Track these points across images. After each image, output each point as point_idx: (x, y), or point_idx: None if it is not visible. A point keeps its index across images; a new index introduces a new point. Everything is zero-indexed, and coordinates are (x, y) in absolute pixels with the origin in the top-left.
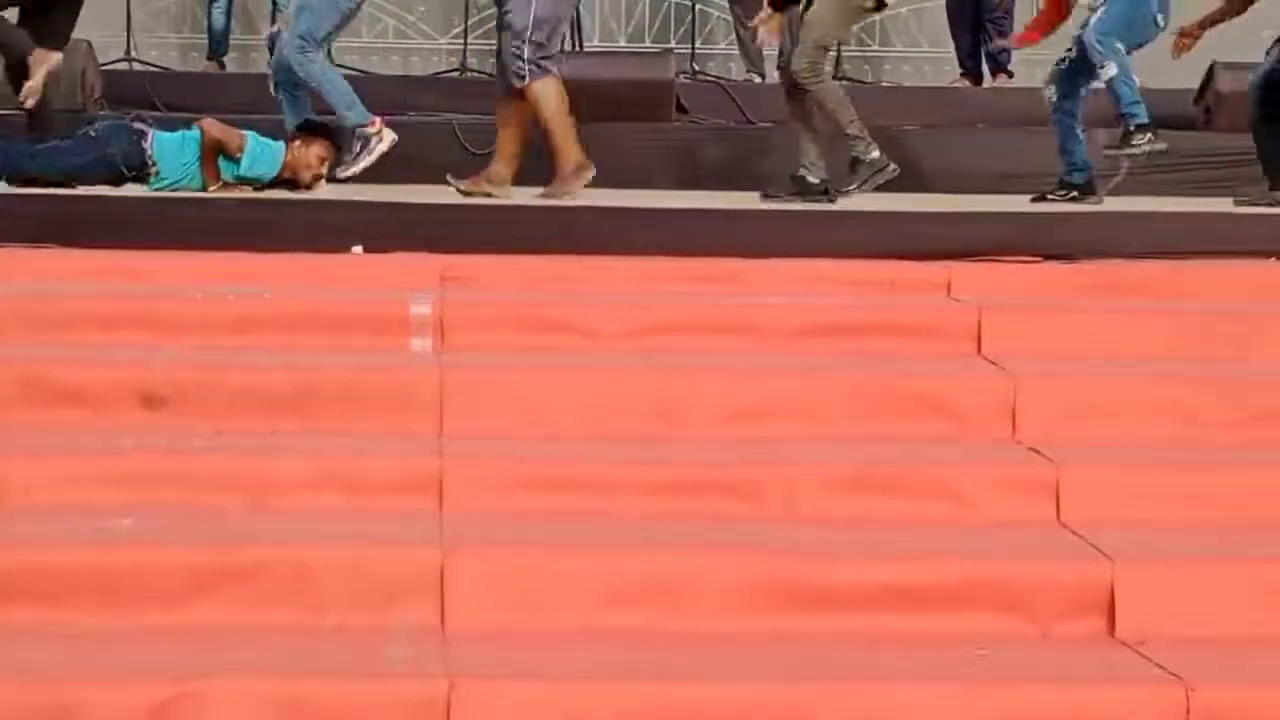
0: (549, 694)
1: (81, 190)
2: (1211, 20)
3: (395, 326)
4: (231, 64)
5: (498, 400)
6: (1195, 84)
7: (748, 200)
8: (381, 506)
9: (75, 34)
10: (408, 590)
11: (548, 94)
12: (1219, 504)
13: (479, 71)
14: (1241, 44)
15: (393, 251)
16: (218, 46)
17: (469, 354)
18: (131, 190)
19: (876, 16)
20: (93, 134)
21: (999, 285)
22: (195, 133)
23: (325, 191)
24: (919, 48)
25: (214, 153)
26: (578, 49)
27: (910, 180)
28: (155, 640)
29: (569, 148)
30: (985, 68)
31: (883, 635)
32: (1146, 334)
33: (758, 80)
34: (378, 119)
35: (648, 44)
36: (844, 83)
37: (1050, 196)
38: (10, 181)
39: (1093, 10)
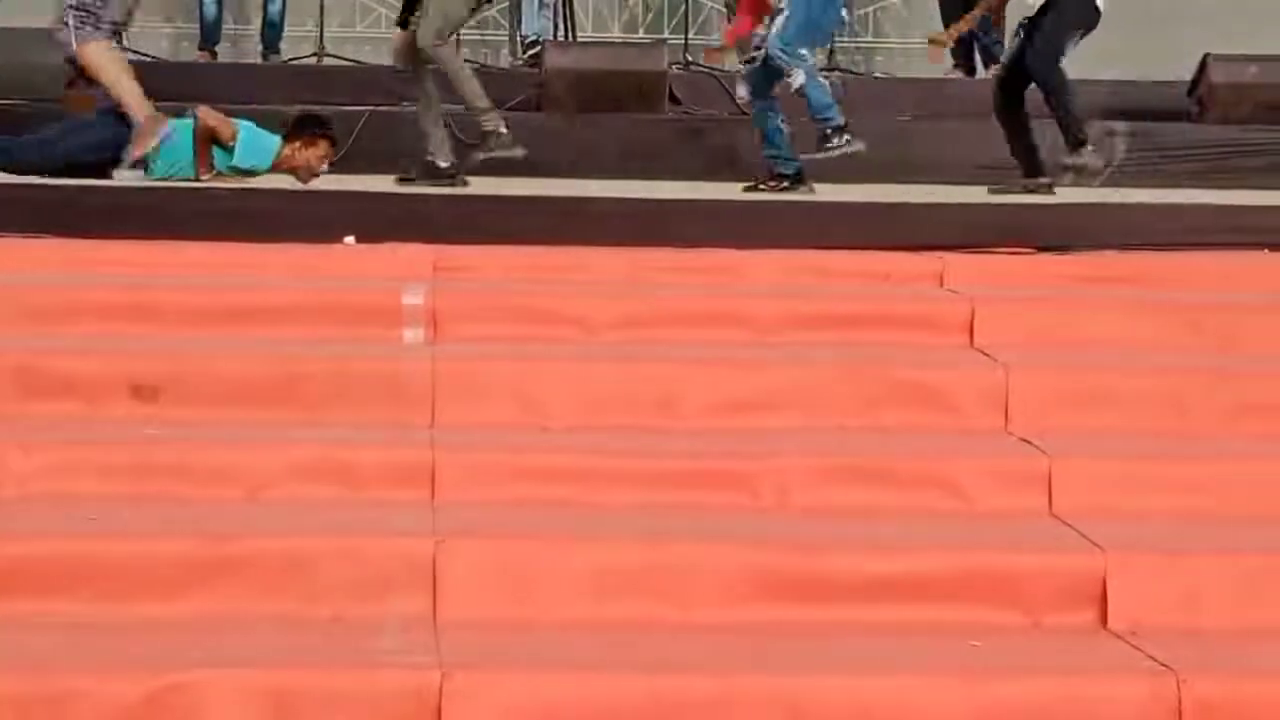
0: (541, 685)
1: (74, 180)
2: (966, 23)
3: (388, 317)
4: (223, 54)
5: (490, 391)
6: (1188, 76)
7: (740, 190)
8: (374, 497)
9: None
10: (401, 581)
11: (99, 55)
12: (1210, 495)
13: (471, 61)
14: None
15: (385, 242)
16: (209, 36)
17: (461, 344)
18: (124, 180)
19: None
20: (86, 123)
21: (992, 276)
22: (189, 120)
23: (318, 182)
24: (912, 39)
25: (207, 141)
26: (571, 39)
27: (903, 171)
28: (149, 631)
29: (139, 103)
30: (978, 59)
31: (875, 626)
32: (1138, 325)
33: None
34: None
35: (641, 35)
36: (837, 73)
37: (761, 187)
38: (5, 170)
39: (779, 12)
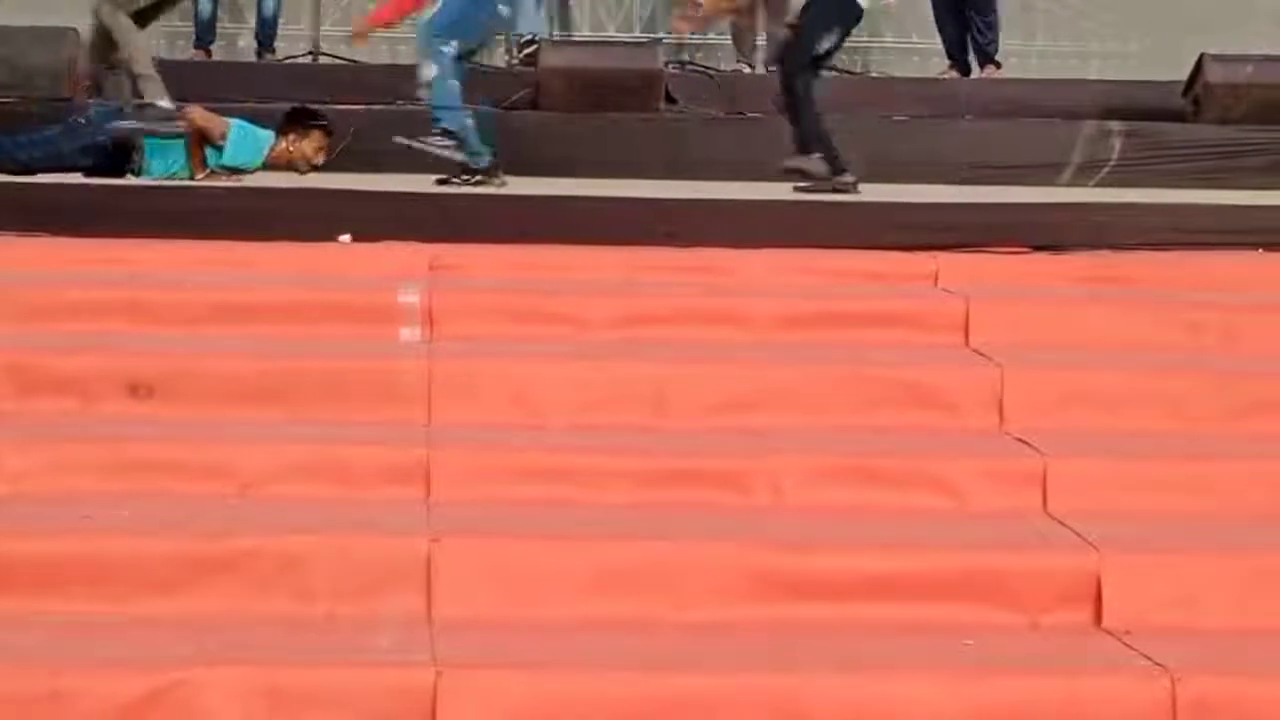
0: (535, 683)
1: (70, 178)
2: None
3: (384, 316)
4: (218, 52)
5: (486, 389)
6: (1184, 76)
7: (735, 190)
8: (369, 496)
9: (63, 23)
10: (395, 579)
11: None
12: (1206, 495)
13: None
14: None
15: (381, 240)
16: (205, 35)
17: (457, 343)
18: (118, 179)
19: None
20: (83, 121)
21: (987, 276)
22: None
23: (314, 180)
24: (908, 39)
25: (199, 140)
26: (568, 38)
27: (899, 171)
28: (145, 628)
29: None
30: (973, 59)
31: (870, 625)
32: (1134, 325)
33: (747, 71)
34: None
35: (637, 34)
36: (832, 73)
37: (454, 180)
38: (1, 169)
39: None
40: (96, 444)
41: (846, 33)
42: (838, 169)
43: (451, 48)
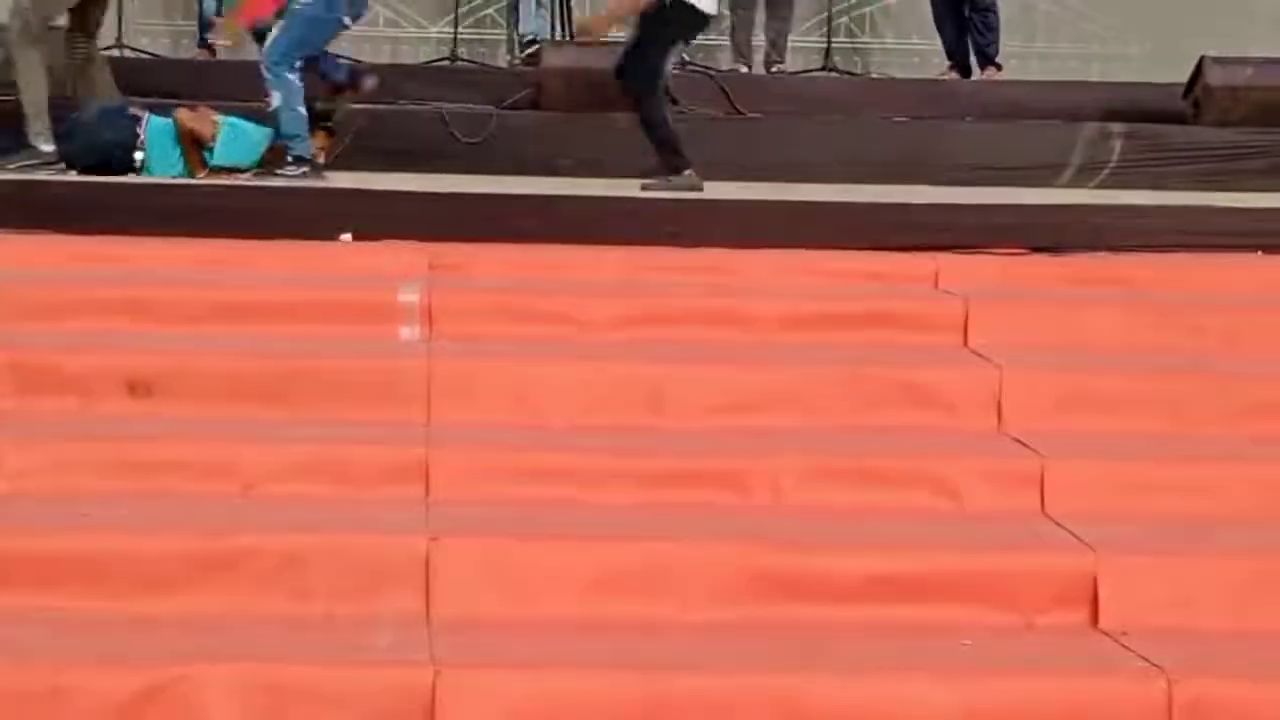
0: (534, 683)
1: (69, 176)
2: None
3: (383, 314)
4: (223, 51)
5: (485, 389)
6: (1184, 78)
7: (735, 190)
8: (369, 495)
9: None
10: (394, 578)
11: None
12: (1204, 497)
13: (469, 60)
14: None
15: (381, 239)
16: (208, 34)
17: (457, 342)
18: (118, 176)
19: None
20: (86, 120)
21: (986, 277)
22: (169, 121)
23: (314, 179)
24: (909, 40)
25: (192, 141)
26: (569, 39)
27: (899, 172)
28: (144, 626)
29: None
30: (974, 60)
31: (868, 626)
32: (1133, 327)
33: (744, 70)
34: None
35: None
36: (833, 75)
37: (279, 171)
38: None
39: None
40: (96, 442)
41: (690, 41)
42: (680, 166)
43: (294, 73)
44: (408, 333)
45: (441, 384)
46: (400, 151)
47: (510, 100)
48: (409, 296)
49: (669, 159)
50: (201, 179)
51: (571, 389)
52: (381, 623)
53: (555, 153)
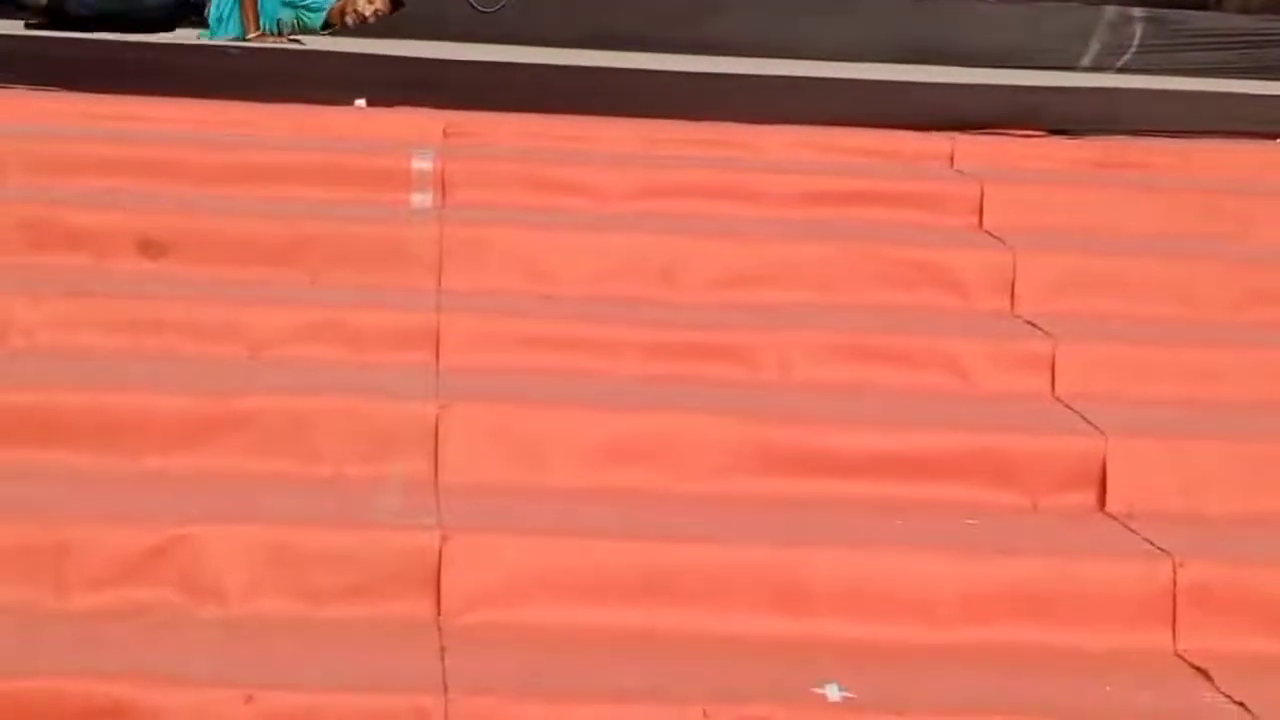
0: (538, 549)
1: (85, 35)
2: None
3: (396, 181)
4: None
5: (497, 257)
6: None
7: (753, 65)
8: (378, 360)
9: None
10: (402, 444)
11: None
12: (1216, 382)
13: None
14: None
15: (396, 106)
16: None
17: (469, 210)
18: (134, 36)
19: None
20: None
21: (1002, 158)
22: None
23: (329, 44)
24: None
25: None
26: None
27: (918, 52)
28: (152, 484)
29: None
30: None
31: (872, 502)
32: (1148, 211)
33: None
34: None
35: None
36: None
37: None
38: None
39: None
40: (108, 299)
41: None
42: None
43: None
44: (420, 200)
45: (453, 251)
46: (419, 20)
47: None
48: (422, 163)
49: None
50: (253, 40)
51: (583, 259)
52: (389, 487)
53: (577, 24)
